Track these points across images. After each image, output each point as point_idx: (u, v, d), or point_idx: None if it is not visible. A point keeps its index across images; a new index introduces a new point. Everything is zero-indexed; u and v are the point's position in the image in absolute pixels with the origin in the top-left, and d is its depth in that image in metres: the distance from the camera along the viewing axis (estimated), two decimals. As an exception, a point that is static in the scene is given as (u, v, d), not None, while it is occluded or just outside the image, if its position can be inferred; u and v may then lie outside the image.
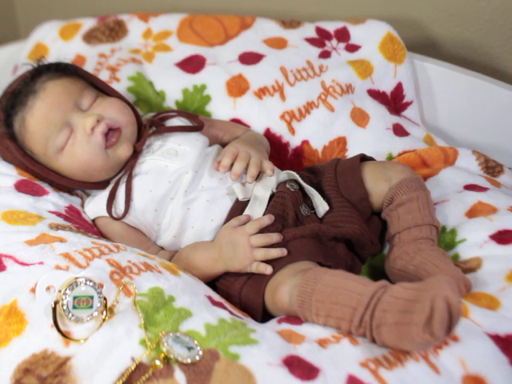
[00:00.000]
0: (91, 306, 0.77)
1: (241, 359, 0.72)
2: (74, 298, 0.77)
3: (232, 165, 1.02)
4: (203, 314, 0.80)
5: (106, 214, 1.04)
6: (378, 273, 1.03)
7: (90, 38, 1.36)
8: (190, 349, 0.73)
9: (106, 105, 1.06)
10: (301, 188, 1.04)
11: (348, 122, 1.21)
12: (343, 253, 0.99)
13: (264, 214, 0.99)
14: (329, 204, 1.02)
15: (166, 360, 0.72)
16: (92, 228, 1.05)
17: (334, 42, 1.30)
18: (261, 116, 1.22)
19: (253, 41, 1.30)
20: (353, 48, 1.29)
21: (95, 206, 1.07)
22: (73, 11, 1.62)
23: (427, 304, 0.70)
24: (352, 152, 1.18)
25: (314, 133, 1.20)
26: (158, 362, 0.72)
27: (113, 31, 1.37)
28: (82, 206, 1.10)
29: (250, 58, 1.27)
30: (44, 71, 1.07)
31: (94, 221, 1.08)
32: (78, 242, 0.90)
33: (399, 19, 1.35)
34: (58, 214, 1.01)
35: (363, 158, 1.09)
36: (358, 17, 1.33)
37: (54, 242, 0.89)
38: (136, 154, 1.07)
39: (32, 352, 0.75)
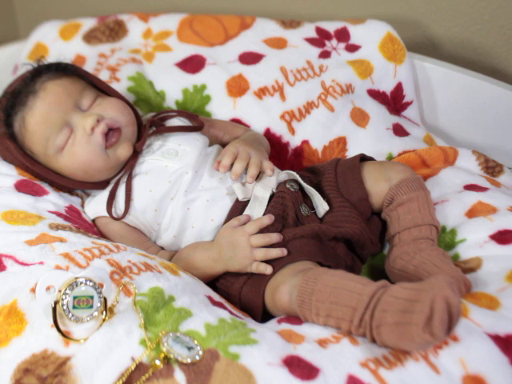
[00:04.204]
0: (91, 306, 0.77)
1: (241, 359, 0.72)
2: (74, 297, 0.77)
3: (232, 165, 1.02)
4: (203, 313, 0.80)
5: (106, 214, 1.04)
6: (378, 273, 1.03)
7: (90, 38, 1.36)
8: (190, 349, 0.73)
9: (106, 105, 1.06)
10: (301, 188, 1.04)
11: (348, 121, 1.21)
12: (343, 253, 0.99)
13: (264, 214, 0.99)
14: (329, 204, 1.02)
15: (166, 360, 0.72)
16: (92, 228, 1.05)
17: (334, 42, 1.30)
18: (261, 116, 1.22)
19: (253, 41, 1.30)
20: (353, 48, 1.29)
21: (95, 206, 1.07)
22: (73, 11, 1.62)
23: (427, 304, 0.70)
24: (352, 152, 1.18)
25: (314, 133, 1.20)
26: (157, 362, 0.72)
27: (113, 31, 1.37)
28: (82, 206, 1.10)
29: (250, 58, 1.27)
30: (44, 71, 1.07)
31: (93, 221, 1.08)
32: (78, 241, 0.90)
33: (399, 19, 1.35)
34: (58, 214, 1.01)
35: (363, 158, 1.09)
36: (358, 17, 1.33)
37: (54, 241, 0.89)
38: (136, 153, 1.07)
39: (32, 352, 0.75)
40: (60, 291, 0.77)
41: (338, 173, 1.07)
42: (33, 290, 0.80)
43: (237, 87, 1.24)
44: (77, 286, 0.77)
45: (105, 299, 0.77)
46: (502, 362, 0.73)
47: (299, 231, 0.96)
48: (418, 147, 1.19)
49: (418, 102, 1.30)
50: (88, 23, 1.39)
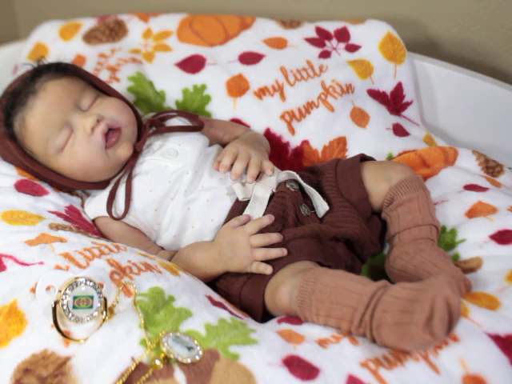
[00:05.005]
0: (91, 306, 0.77)
1: (241, 359, 0.72)
2: (74, 297, 0.77)
3: (232, 165, 1.02)
4: (203, 313, 0.80)
5: (106, 214, 1.04)
6: (378, 273, 1.03)
7: (90, 38, 1.36)
8: (190, 349, 0.73)
9: (106, 105, 1.06)
10: (301, 188, 1.04)
11: (348, 121, 1.21)
12: (343, 253, 0.99)
13: (264, 214, 0.99)
14: (329, 204, 1.02)
15: (166, 360, 0.72)
16: (92, 228, 1.05)
17: (334, 42, 1.30)
18: (261, 116, 1.21)
19: (253, 41, 1.30)
20: (353, 48, 1.29)
21: (95, 206, 1.07)
22: (73, 11, 1.62)
23: (427, 304, 0.70)
24: (352, 152, 1.18)
25: (314, 133, 1.20)
26: (157, 362, 0.72)
27: (113, 31, 1.37)
28: (82, 206, 1.10)
29: (249, 58, 1.27)
30: (44, 71, 1.07)
31: (94, 221, 1.08)
32: (78, 241, 0.90)
33: (399, 19, 1.35)
34: (58, 214, 1.01)
35: (363, 158, 1.09)
36: (358, 17, 1.33)
37: (54, 241, 0.89)
38: (136, 154, 1.07)
39: (32, 352, 0.75)
40: (60, 291, 0.77)
41: (337, 173, 1.07)
42: (33, 290, 0.80)
43: (237, 87, 1.24)
44: (77, 285, 0.77)
45: (105, 299, 0.77)
46: (502, 362, 0.73)
47: (299, 231, 0.96)
48: (418, 147, 1.19)
49: (418, 102, 1.30)
50: (88, 23, 1.39)
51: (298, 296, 0.82)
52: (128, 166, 1.06)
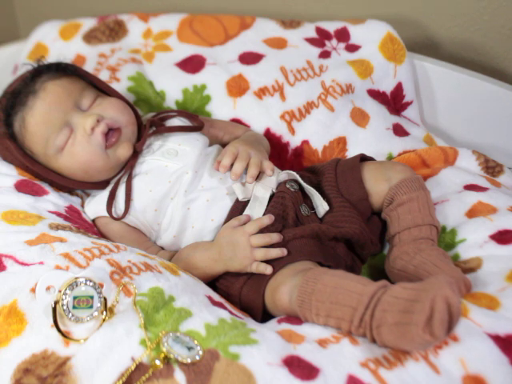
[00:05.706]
0: (91, 306, 0.77)
1: (241, 359, 0.72)
2: (74, 298, 0.77)
3: (232, 165, 1.02)
4: (203, 313, 0.80)
5: (106, 214, 1.04)
6: (378, 273, 1.03)
7: (90, 38, 1.36)
8: (190, 349, 0.73)
9: (106, 105, 1.06)
10: (301, 188, 1.04)
11: (348, 121, 1.21)
12: (343, 253, 0.99)
13: (264, 214, 0.99)
14: (329, 204, 1.02)
15: (166, 360, 0.72)
16: (92, 228, 1.05)
17: (334, 41, 1.30)
18: (261, 116, 1.21)
19: (253, 41, 1.30)
20: (353, 48, 1.29)
21: (95, 206, 1.07)
22: (73, 11, 1.62)
23: (427, 304, 0.70)
24: (352, 152, 1.18)
25: (314, 133, 1.20)
26: (158, 362, 0.72)
27: (113, 31, 1.37)
28: (82, 206, 1.10)
29: (250, 58, 1.27)
30: (44, 71, 1.07)
31: (93, 221, 1.08)
32: (78, 242, 0.90)
33: (399, 19, 1.35)
34: (58, 214, 1.01)
35: (363, 158, 1.09)
36: (358, 17, 1.33)
37: (54, 241, 0.89)
38: (136, 154, 1.07)
39: (32, 352, 0.75)
40: (60, 291, 0.77)
41: (337, 173, 1.06)
42: (33, 290, 0.80)
43: (237, 87, 1.24)
44: (77, 286, 0.77)
45: (105, 299, 0.78)
46: (502, 362, 0.73)
47: (299, 231, 0.96)
48: (418, 147, 1.19)
49: (418, 102, 1.30)
50: (88, 23, 1.39)
51: (298, 296, 0.82)
52: (128, 166, 1.06)
